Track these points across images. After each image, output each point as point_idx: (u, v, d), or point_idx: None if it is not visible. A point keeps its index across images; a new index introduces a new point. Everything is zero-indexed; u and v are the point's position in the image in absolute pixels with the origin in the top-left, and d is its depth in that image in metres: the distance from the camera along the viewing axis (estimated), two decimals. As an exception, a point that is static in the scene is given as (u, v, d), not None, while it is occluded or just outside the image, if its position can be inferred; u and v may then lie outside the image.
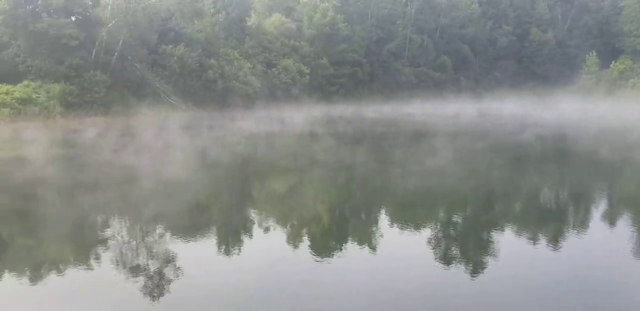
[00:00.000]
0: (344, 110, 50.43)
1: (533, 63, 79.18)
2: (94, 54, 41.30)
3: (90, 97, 38.68)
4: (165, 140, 26.89)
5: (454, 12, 74.39)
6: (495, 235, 11.12)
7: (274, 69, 52.91)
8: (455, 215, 13.44)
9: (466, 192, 15.97)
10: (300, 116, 42.57)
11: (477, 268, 9.15)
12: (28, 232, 11.79)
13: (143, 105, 41.98)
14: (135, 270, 9.11)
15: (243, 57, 50.35)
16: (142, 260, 9.72)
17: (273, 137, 30.26)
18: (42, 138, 26.74)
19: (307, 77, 55.07)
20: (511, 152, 24.19)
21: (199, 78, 46.26)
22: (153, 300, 7.86)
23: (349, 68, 62.00)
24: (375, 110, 50.56)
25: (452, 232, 11.71)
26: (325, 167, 20.03)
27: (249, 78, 48.92)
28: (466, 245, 10.75)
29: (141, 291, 8.16)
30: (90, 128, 31.69)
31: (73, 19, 41.19)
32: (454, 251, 10.33)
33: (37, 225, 12.26)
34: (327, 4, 61.17)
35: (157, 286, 8.40)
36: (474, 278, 8.69)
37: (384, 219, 13.06)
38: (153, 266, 9.29)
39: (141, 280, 8.63)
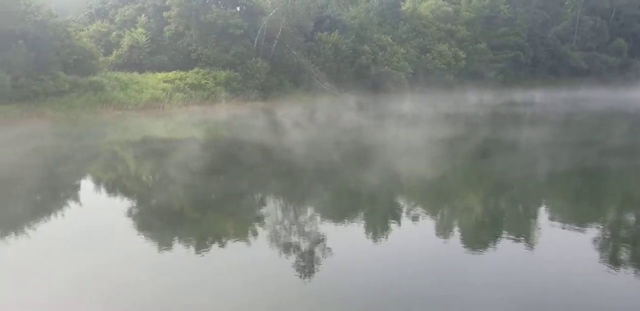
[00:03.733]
0: (515, 95, 47.32)
1: None
2: (255, 42, 43.47)
3: (251, 83, 40.80)
4: (351, 118, 28.60)
5: (634, -11, 66.07)
6: None
7: (428, 54, 51.42)
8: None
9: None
10: (468, 100, 41.05)
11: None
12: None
13: (298, 91, 43.41)
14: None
15: (396, 43, 49.60)
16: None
17: (459, 117, 29.81)
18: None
19: (464, 62, 52.68)
20: None
21: (352, 64, 46.54)
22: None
23: (510, 52, 58.22)
24: (556, 96, 46.56)
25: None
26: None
27: (402, 64, 48.12)
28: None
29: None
30: (277, 109, 34.49)
31: (238, 9, 43.74)
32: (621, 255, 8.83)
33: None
34: (487, -16, 57.85)
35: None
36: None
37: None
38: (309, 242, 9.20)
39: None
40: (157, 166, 17.18)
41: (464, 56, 53.21)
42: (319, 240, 9.30)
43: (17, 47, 28.88)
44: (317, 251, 8.78)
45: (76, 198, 12.99)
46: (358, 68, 46.48)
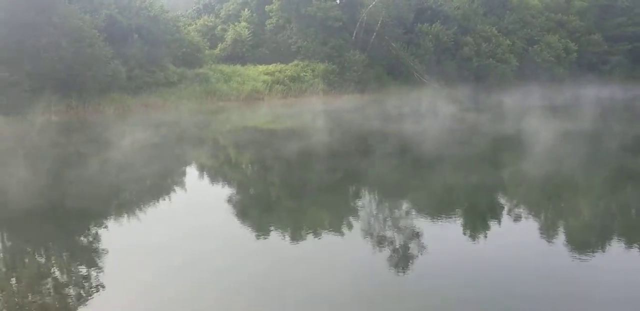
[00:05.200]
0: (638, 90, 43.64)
1: None
2: (354, 34, 43.24)
3: (349, 75, 40.66)
4: (459, 112, 28.38)
5: None
6: None
7: (535, 46, 48.52)
8: None
9: None
10: (584, 95, 38.55)
11: None
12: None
13: (396, 84, 42.69)
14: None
15: (502, 34, 47.23)
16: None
17: (582, 112, 28.89)
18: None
19: (575, 54, 49.20)
20: None
21: (453, 56, 45.01)
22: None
23: (627, 44, 53.50)
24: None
25: None
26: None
27: (507, 56, 45.81)
28: None
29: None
30: (376, 102, 34.37)
31: (337, 1, 43.67)
32: None
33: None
34: (605, -30, 53.50)
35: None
36: None
37: None
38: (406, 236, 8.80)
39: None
40: (264, 154, 17.48)
41: (576, 48, 49.73)
42: (431, 237, 8.87)
43: (132, 40, 30.70)
44: (425, 249, 8.38)
45: (184, 182, 13.49)
46: (460, 60, 44.85)
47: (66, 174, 13.91)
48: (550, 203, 11.41)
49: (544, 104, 33.11)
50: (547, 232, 9.16)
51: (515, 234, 9.08)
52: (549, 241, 8.59)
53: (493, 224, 9.58)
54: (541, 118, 24.35)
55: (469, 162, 15.73)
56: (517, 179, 13.69)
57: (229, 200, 11.43)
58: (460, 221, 9.74)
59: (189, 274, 7.23)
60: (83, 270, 7.50)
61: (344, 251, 8.16)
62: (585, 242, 8.77)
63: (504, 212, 10.34)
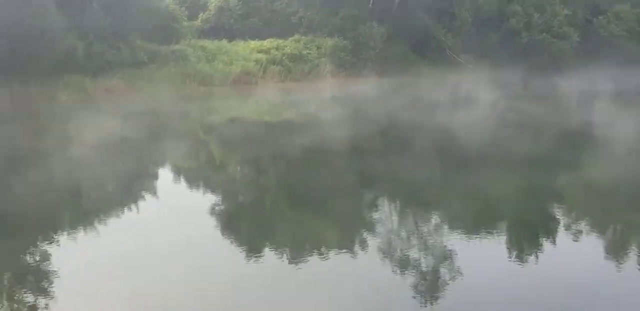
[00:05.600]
0: None
1: None
2: (371, 2, 43.17)
3: (364, 54, 40.64)
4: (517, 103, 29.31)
5: None
6: None
7: (601, 17, 48.30)
8: None
9: None
10: None
11: None
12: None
13: (424, 65, 42.68)
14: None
15: (559, 2, 46.99)
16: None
17: None
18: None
19: (652, 27, 48.98)
20: None
21: (497, 30, 44.94)
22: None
23: None
24: None
25: None
26: None
27: (565, 30, 45.56)
28: None
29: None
30: (401, 87, 34.71)
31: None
32: None
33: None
34: None
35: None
36: None
37: None
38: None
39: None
40: (255, 154, 17.44)
41: (654, 20, 49.52)
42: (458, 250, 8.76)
43: (91, 10, 30.70)
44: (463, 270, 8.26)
45: (151, 189, 13.44)
46: (505, 35, 44.74)
47: (4, 178, 13.91)
48: (622, 218, 11.25)
49: (612, 89, 32.94)
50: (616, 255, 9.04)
51: (573, 256, 8.98)
52: (617, 266, 8.47)
53: (546, 244, 9.46)
54: (609, 109, 24.24)
55: (526, 165, 15.58)
56: (580, 187, 13.57)
57: (211, 212, 11.34)
58: (502, 239, 9.64)
59: (159, 301, 7.15)
60: (28, 296, 7.44)
61: (355, 274, 8.09)
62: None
63: (562, 230, 10.23)
